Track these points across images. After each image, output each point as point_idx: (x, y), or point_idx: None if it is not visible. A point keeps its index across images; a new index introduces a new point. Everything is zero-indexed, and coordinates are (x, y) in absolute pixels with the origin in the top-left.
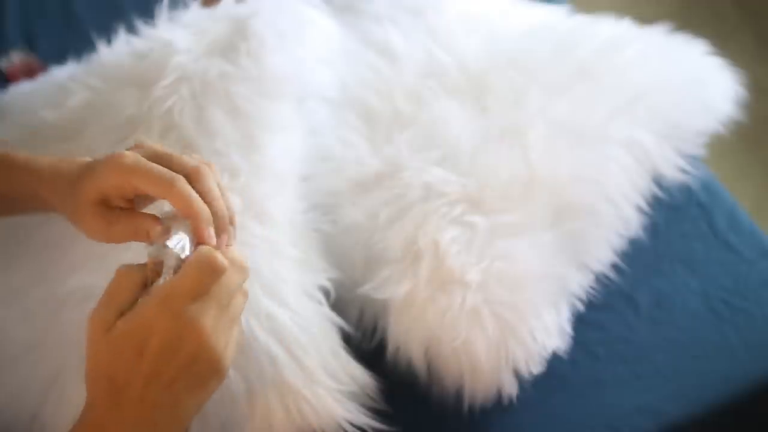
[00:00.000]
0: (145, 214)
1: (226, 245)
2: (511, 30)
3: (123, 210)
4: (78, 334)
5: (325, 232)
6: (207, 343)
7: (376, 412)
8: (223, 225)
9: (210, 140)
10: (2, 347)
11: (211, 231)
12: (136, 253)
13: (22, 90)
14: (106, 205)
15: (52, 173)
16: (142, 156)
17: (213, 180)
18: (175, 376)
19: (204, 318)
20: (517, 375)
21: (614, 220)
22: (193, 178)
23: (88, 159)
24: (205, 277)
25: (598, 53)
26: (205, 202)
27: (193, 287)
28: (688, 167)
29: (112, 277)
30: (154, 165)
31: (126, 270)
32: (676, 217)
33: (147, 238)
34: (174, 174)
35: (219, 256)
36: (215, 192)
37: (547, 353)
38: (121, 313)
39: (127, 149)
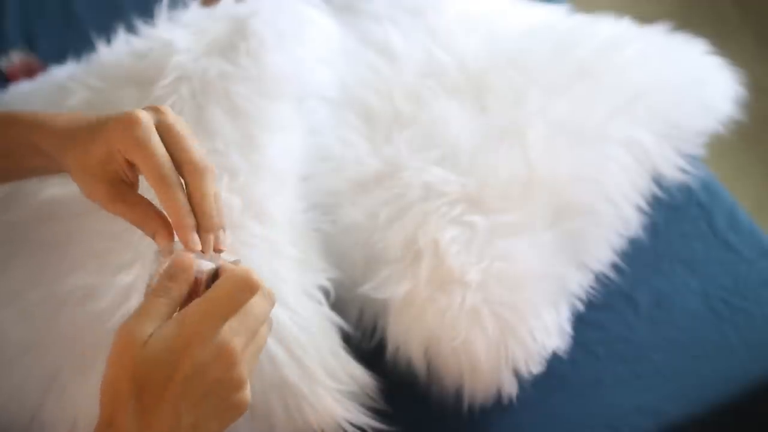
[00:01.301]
0: (157, 212)
1: (216, 250)
2: (510, 30)
3: (133, 191)
4: (77, 334)
5: (325, 232)
6: (234, 367)
7: (376, 412)
8: (209, 225)
9: (209, 140)
10: (1, 347)
11: (195, 237)
12: (137, 253)
13: (22, 90)
14: (113, 171)
15: (55, 124)
16: (157, 126)
17: (212, 183)
18: (201, 399)
19: (235, 342)
20: (517, 375)
21: (614, 219)
22: (193, 172)
23: (95, 116)
24: (241, 294)
25: (597, 53)
26: (197, 201)
27: (229, 305)
28: (688, 167)
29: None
30: (162, 153)
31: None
32: (676, 217)
33: (151, 236)
34: (175, 180)
35: (254, 274)
36: (210, 196)
37: (547, 353)
38: (156, 328)
39: (145, 108)
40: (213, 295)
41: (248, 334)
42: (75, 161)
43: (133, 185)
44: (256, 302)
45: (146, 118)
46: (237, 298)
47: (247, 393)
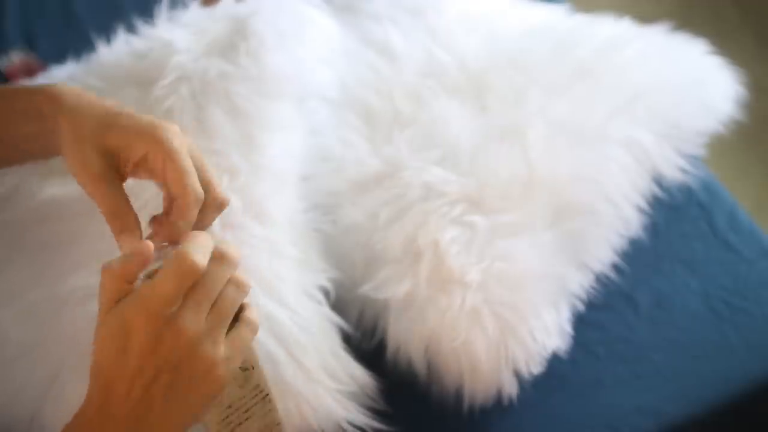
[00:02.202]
0: (133, 210)
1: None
2: (510, 30)
3: (119, 182)
4: (78, 335)
5: (325, 232)
6: (189, 345)
7: (376, 412)
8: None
9: (209, 140)
10: (1, 348)
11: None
12: None
13: None
14: (111, 155)
15: (76, 101)
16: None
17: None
18: (156, 375)
19: (183, 320)
20: (517, 375)
21: (614, 220)
22: (211, 206)
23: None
24: (182, 279)
25: (597, 53)
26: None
27: (171, 289)
28: (688, 167)
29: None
30: (193, 170)
31: (109, 268)
32: (676, 217)
33: (117, 231)
34: (200, 196)
35: (196, 255)
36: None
37: (547, 353)
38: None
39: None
40: (156, 280)
41: (198, 306)
42: (75, 125)
43: (121, 178)
44: (208, 273)
45: (180, 132)
46: (180, 284)
47: (217, 364)
